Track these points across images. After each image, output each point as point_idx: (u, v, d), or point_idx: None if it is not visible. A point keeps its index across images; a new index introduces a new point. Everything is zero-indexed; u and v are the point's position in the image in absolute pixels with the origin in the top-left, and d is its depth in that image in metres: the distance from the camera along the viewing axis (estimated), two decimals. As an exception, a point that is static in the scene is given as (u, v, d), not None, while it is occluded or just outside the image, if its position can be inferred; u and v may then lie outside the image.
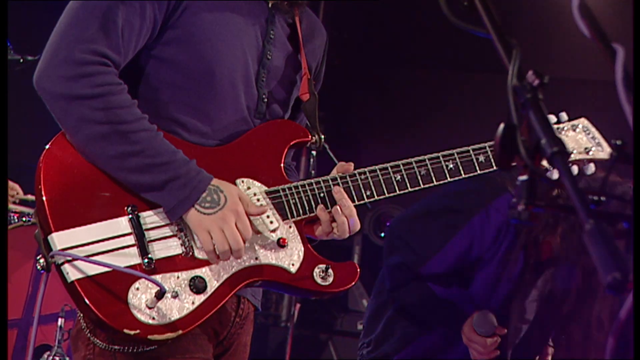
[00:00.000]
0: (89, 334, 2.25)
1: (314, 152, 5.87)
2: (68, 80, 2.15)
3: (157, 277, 2.19)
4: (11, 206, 4.54)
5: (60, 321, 4.28)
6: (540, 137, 1.50)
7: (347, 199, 2.36)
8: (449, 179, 2.45)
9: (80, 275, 2.14)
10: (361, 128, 7.53)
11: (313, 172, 5.36)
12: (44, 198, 2.18)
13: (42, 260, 2.18)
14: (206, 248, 2.23)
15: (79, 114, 2.16)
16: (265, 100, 2.43)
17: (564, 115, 2.64)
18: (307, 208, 2.36)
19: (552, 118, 2.56)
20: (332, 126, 6.93)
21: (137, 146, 2.18)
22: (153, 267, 2.19)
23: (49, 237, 2.17)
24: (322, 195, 2.37)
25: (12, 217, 4.40)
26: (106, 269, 2.15)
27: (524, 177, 1.53)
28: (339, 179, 2.39)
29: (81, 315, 2.25)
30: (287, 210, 2.34)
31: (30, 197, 4.60)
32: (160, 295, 2.15)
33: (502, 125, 1.48)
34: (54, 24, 2.24)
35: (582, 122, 2.64)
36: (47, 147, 2.24)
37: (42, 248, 2.17)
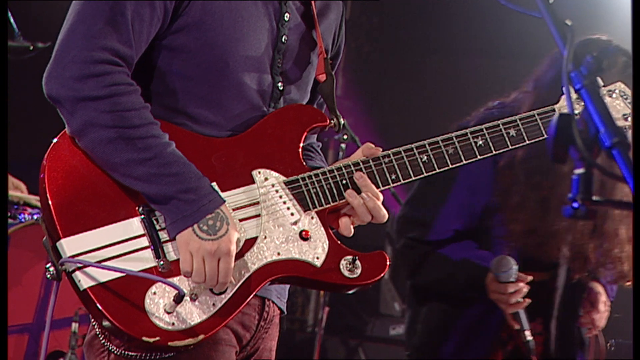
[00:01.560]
0: (103, 340, 2.25)
1: (343, 146, 5.86)
2: (76, 81, 2.16)
3: (174, 280, 2.18)
4: (22, 196, 4.56)
5: (74, 326, 4.27)
6: (599, 127, 1.48)
7: (371, 185, 2.36)
8: (478, 157, 2.44)
9: (92, 283, 2.14)
10: (392, 118, 7.50)
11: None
12: (50, 202, 2.18)
13: (52, 269, 2.18)
14: (184, 269, 2.20)
15: (85, 117, 2.16)
16: (281, 87, 2.42)
17: (599, 81, 2.62)
18: (329, 197, 2.35)
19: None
20: (362, 116, 6.91)
21: (145, 154, 2.18)
22: (169, 269, 2.19)
23: (57, 244, 2.17)
24: (344, 182, 2.36)
25: (22, 215, 4.42)
26: (120, 274, 2.15)
27: (580, 171, 1.51)
28: (361, 163, 2.38)
29: (95, 320, 2.26)
30: (308, 200, 2.34)
31: (33, 197, 4.62)
32: (179, 299, 2.15)
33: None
34: (65, 8, 2.24)
35: (619, 86, 2.60)
36: (52, 143, 2.23)
37: (51, 255, 2.18)
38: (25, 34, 4.59)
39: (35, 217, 4.40)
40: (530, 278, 3.23)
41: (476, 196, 3.33)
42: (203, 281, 2.20)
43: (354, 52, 7.16)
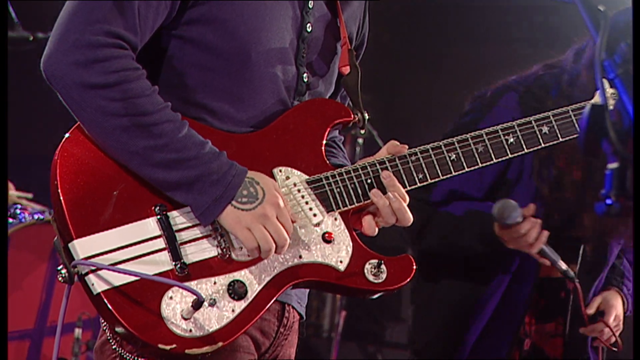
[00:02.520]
0: (115, 346, 2.26)
1: (360, 140, 5.85)
2: (79, 66, 2.14)
3: (192, 284, 2.20)
4: (19, 198, 4.57)
5: (77, 332, 4.30)
6: (633, 118, 1.47)
7: (398, 186, 2.37)
8: (509, 155, 2.45)
9: (106, 287, 2.15)
10: (413, 111, 7.48)
11: (359, 162, 5.36)
12: (62, 200, 2.18)
13: (64, 271, 2.19)
14: (249, 246, 2.23)
15: (94, 106, 2.16)
16: (307, 79, 2.43)
17: None
18: (353, 197, 2.36)
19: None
20: (381, 110, 6.90)
21: (161, 140, 2.18)
22: (187, 272, 2.20)
23: (69, 245, 2.18)
24: (369, 181, 2.37)
25: (22, 214, 4.42)
26: (135, 278, 2.16)
27: (614, 165, 1.50)
28: (387, 162, 2.39)
29: (106, 325, 2.27)
30: (332, 200, 2.35)
31: (23, 194, 4.62)
32: (197, 305, 2.16)
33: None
34: None
35: None
36: (63, 139, 2.24)
37: (63, 257, 2.18)
38: (24, 24, 4.60)
39: (36, 216, 4.40)
40: (533, 206, 3.20)
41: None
42: (274, 246, 2.22)
43: (371, 41, 7.12)
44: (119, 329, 2.16)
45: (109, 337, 2.28)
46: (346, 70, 2.48)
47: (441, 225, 3.39)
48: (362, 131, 2.47)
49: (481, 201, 3.38)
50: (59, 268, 2.19)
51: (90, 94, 2.15)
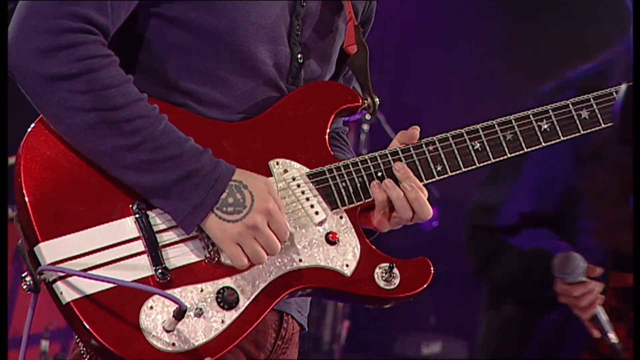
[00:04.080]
0: None
1: (365, 127, 5.80)
2: (41, 54, 2.14)
3: (176, 292, 2.19)
4: None
5: (43, 344, 4.33)
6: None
7: (413, 177, 2.36)
8: (543, 144, 2.45)
9: (77, 295, 2.14)
10: (424, 94, 7.44)
11: (365, 152, 5.32)
12: (26, 199, 2.17)
13: (28, 278, 2.18)
14: (237, 263, 2.22)
15: (58, 99, 2.15)
16: (301, 59, 2.42)
17: None
18: (361, 192, 2.35)
19: None
20: (388, 94, 6.87)
21: (133, 138, 2.18)
22: (169, 279, 2.20)
23: (35, 249, 2.16)
24: (379, 174, 2.37)
25: None
26: (110, 285, 2.15)
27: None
28: (400, 152, 2.39)
29: (78, 340, 2.25)
30: (336, 196, 2.34)
31: None
32: (179, 314, 2.15)
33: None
34: None
35: None
36: (28, 130, 2.23)
37: (28, 262, 2.18)
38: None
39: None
40: (599, 270, 3.23)
41: (554, 172, 3.36)
42: (265, 258, 2.23)
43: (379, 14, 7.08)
44: (92, 343, 2.15)
45: (82, 351, 2.27)
46: (353, 49, 2.47)
47: (507, 262, 3.46)
48: (368, 116, 2.44)
49: (557, 219, 3.39)
50: (23, 275, 2.19)
51: (53, 86, 2.15)
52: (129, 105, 2.18)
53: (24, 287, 2.18)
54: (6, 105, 2.52)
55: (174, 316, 2.15)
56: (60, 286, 2.14)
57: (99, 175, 2.21)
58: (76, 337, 2.25)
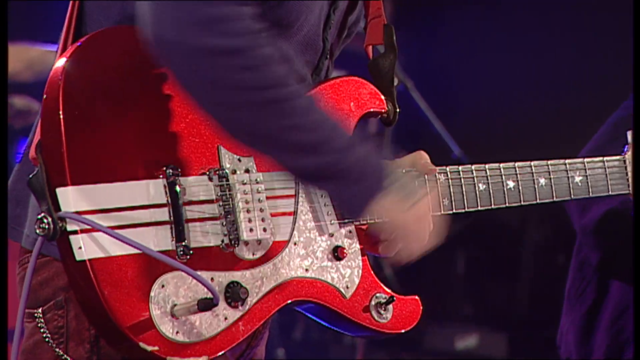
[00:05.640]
0: (55, 347, 2.27)
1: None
2: (197, 26, 2.14)
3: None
4: None
5: None
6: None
7: None
8: (538, 200, 2.59)
9: (98, 254, 2.15)
10: (457, 57, 7.32)
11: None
12: (62, 126, 2.15)
13: (46, 221, 2.15)
14: (389, 251, 2.40)
15: (214, 75, 2.16)
16: (328, 55, 2.51)
17: None
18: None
19: None
20: (414, 55, 6.76)
21: (299, 119, 2.23)
22: (189, 258, 2.23)
23: (59, 190, 2.15)
24: None
25: None
26: (132, 250, 2.16)
27: None
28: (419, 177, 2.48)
29: (41, 320, 2.28)
30: None
31: None
32: (206, 307, 2.19)
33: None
34: None
35: None
36: (87, 36, 2.21)
37: (49, 202, 2.15)
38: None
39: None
40: None
41: None
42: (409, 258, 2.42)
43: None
44: (95, 311, 2.17)
45: (46, 337, 2.28)
46: (371, 50, 2.54)
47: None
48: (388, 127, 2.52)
49: None
50: (40, 216, 2.16)
51: (210, 61, 2.15)
52: (292, 84, 2.22)
53: (37, 230, 2.16)
54: (6, 105, 2.46)
55: (197, 306, 2.18)
56: (80, 240, 2.14)
57: (138, 126, 2.22)
58: (38, 316, 2.26)
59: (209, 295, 2.20)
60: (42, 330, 2.28)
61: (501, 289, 6.92)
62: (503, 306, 6.83)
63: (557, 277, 7.03)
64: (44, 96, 2.18)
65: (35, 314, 2.28)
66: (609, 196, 2.68)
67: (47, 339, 2.28)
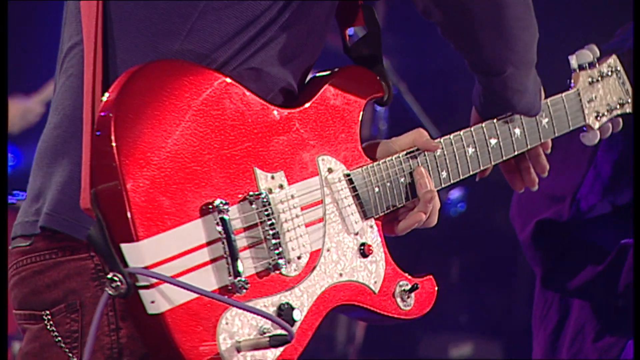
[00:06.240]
0: (69, 352, 2.28)
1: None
2: None
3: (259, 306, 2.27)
4: None
5: (16, 347, 4.34)
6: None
7: (432, 185, 2.53)
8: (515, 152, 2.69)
9: (168, 306, 2.16)
10: (453, 59, 7.33)
11: (382, 125, 5.25)
12: (122, 176, 2.14)
13: (118, 278, 2.14)
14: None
15: None
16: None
17: (594, 49, 2.92)
18: (390, 199, 2.48)
19: (586, 54, 2.87)
20: (410, 57, 6.78)
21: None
22: (246, 290, 2.25)
23: (125, 246, 2.15)
24: (402, 180, 2.50)
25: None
26: (194, 295, 2.18)
27: None
28: (417, 155, 2.52)
29: (51, 323, 2.28)
30: (372, 203, 2.46)
31: None
32: (279, 343, 2.22)
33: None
34: None
35: (614, 60, 2.91)
36: (121, 84, 2.18)
37: (117, 261, 2.15)
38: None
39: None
40: None
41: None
42: None
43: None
44: (168, 356, 2.19)
45: (58, 340, 2.28)
46: (353, 32, 2.57)
47: (584, 263, 3.52)
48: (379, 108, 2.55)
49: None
50: (110, 276, 2.15)
51: None
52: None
53: (110, 291, 2.15)
54: (6, 105, 2.47)
55: (270, 343, 2.21)
56: (152, 294, 2.16)
57: (185, 164, 2.23)
58: (48, 318, 2.26)
59: (280, 331, 2.22)
60: (53, 333, 2.28)
61: (496, 297, 6.93)
62: (498, 314, 6.83)
63: (553, 283, 7.12)
64: (97, 133, 2.18)
65: (43, 316, 2.29)
66: (569, 132, 2.77)
67: (59, 343, 2.28)
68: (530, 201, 3.61)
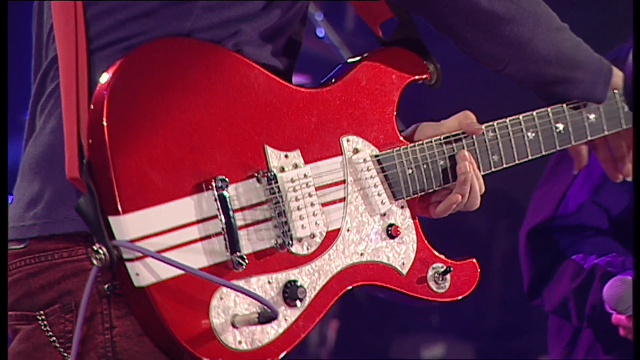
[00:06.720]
0: (63, 352, 2.28)
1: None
2: None
3: (241, 282, 2.25)
4: None
5: None
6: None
7: (477, 171, 2.52)
8: (589, 137, 2.66)
9: (153, 279, 2.18)
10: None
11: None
12: (109, 157, 2.17)
13: (102, 251, 2.18)
14: None
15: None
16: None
17: None
18: (425, 181, 2.50)
19: None
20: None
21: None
22: (244, 267, 2.26)
23: (112, 219, 2.18)
24: (442, 162, 2.51)
25: None
26: (181, 271, 2.20)
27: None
28: (463, 138, 2.54)
29: (45, 323, 2.29)
30: (402, 185, 2.47)
31: None
32: (266, 320, 2.23)
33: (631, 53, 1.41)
34: None
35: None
36: (118, 64, 2.21)
37: (104, 233, 2.18)
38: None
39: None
40: None
41: None
42: None
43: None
44: (159, 334, 2.20)
45: (52, 340, 2.28)
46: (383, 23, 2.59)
47: (565, 278, 3.52)
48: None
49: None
50: (96, 248, 2.18)
51: None
52: None
53: (94, 261, 2.18)
54: (6, 105, 2.53)
55: (258, 320, 2.23)
56: (136, 267, 2.17)
57: (184, 140, 2.25)
58: (42, 318, 2.27)
59: (274, 312, 2.23)
60: (47, 333, 2.29)
61: (469, 298, 6.95)
62: (470, 316, 6.85)
63: (526, 286, 7.15)
64: (91, 107, 2.21)
65: (37, 317, 2.29)
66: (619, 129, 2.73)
67: (54, 343, 2.28)
68: (531, 210, 3.66)
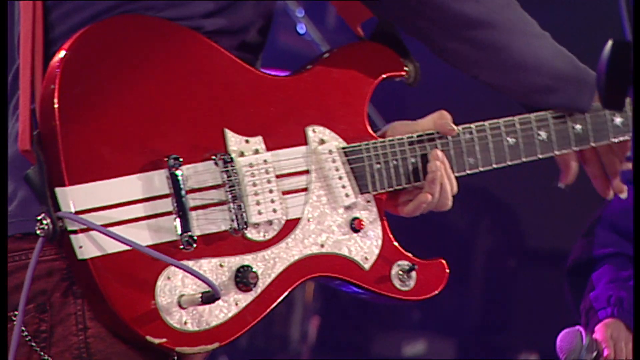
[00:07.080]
0: (40, 351, 2.27)
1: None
2: None
3: (191, 263, 2.25)
4: None
5: None
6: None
7: (450, 171, 2.50)
8: (573, 148, 2.63)
9: (97, 253, 2.18)
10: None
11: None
12: (56, 122, 2.18)
13: (46, 222, 2.20)
14: None
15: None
16: None
17: None
18: (394, 179, 2.48)
19: None
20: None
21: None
22: (193, 248, 2.25)
23: (58, 191, 2.19)
24: (413, 160, 2.50)
25: None
26: (127, 247, 2.20)
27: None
28: (437, 138, 2.52)
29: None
30: (369, 179, 2.46)
31: None
32: (209, 300, 2.22)
33: (609, 44, 1.44)
34: None
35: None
36: (80, 31, 2.23)
37: (49, 204, 2.19)
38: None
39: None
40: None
41: None
42: None
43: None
44: (101, 309, 2.21)
45: (27, 337, 2.28)
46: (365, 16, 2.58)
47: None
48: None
49: None
50: (39, 217, 2.20)
51: None
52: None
53: (38, 231, 2.20)
54: (6, 105, 2.56)
55: (202, 300, 2.22)
56: (80, 239, 2.18)
57: (138, 116, 2.25)
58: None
59: (216, 293, 2.22)
60: (23, 333, 2.28)
61: (450, 294, 6.96)
62: (452, 312, 6.87)
63: (507, 282, 7.13)
64: (44, 85, 2.21)
65: (12, 317, 2.28)
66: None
67: (29, 342, 2.28)
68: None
